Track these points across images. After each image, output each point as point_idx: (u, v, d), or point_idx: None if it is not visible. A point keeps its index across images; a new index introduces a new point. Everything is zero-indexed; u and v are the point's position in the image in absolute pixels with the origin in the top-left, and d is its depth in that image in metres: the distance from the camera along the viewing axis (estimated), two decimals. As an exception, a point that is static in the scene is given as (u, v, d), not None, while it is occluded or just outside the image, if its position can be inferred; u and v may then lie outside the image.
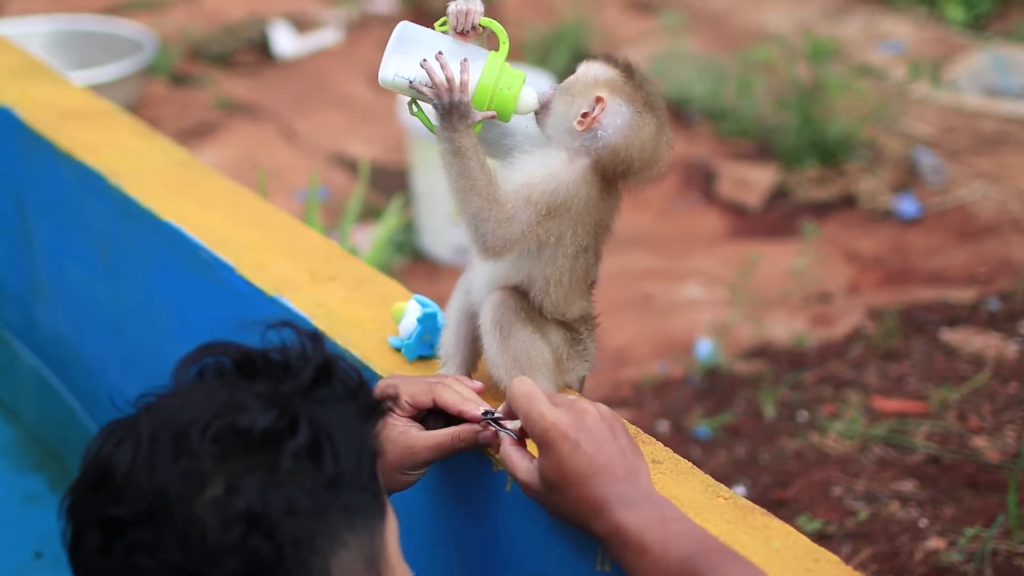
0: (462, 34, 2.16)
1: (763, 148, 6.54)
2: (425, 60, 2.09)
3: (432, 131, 2.13)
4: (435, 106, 2.10)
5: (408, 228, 5.84)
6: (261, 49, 7.99)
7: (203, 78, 7.64)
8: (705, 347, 4.87)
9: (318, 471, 1.54)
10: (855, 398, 4.45)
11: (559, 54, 7.25)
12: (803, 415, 4.41)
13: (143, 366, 3.22)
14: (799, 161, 6.28)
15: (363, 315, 2.58)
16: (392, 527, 1.66)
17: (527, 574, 2.15)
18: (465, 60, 2.10)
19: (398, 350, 2.46)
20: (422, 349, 2.42)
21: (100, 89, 5.01)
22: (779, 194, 6.20)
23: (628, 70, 2.15)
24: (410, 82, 2.12)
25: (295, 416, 1.54)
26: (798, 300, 5.26)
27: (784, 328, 5.05)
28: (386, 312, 2.55)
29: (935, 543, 3.71)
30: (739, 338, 4.98)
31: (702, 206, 6.21)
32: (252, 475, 1.50)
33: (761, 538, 1.97)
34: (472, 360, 2.30)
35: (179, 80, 7.61)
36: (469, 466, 2.19)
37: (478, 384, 2.17)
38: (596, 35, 7.62)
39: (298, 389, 1.59)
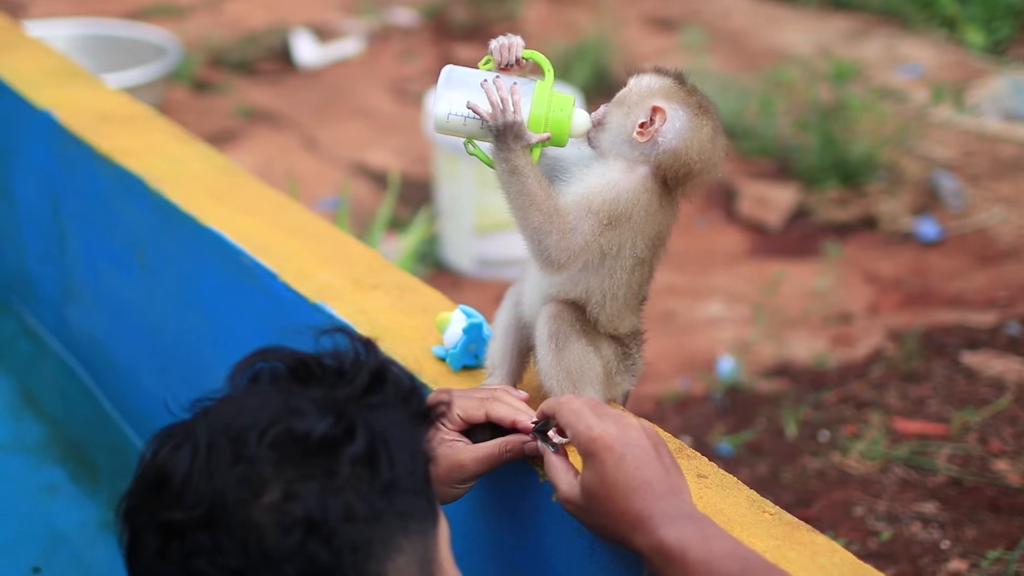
0: (505, 68, 2.19)
1: (784, 168, 6.56)
2: (485, 81, 2.12)
3: (491, 166, 2.15)
4: (490, 128, 2.11)
5: (431, 239, 5.85)
6: (282, 57, 8.01)
7: (224, 85, 7.65)
8: (727, 364, 4.88)
9: (375, 477, 1.54)
10: (876, 419, 4.46)
11: (580, 69, 7.26)
12: (825, 435, 4.42)
13: (177, 371, 3.23)
14: (820, 181, 6.30)
15: (406, 324, 2.59)
16: (444, 532, 1.67)
17: (570, 585, 2.16)
18: (515, 83, 2.13)
19: (442, 359, 2.46)
20: (467, 359, 2.42)
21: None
22: (800, 214, 6.21)
23: (679, 78, 2.17)
24: (467, 104, 2.13)
25: (352, 422, 1.55)
26: (819, 320, 5.26)
27: (805, 347, 5.06)
28: (429, 322, 2.56)
29: (957, 565, 3.71)
30: (760, 356, 4.99)
31: (723, 224, 6.22)
32: (310, 481, 1.51)
33: (808, 554, 1.97)
34: (519, 371, 2.31)
35: (201, 87, 7.62)
36: (514, 476, 2.20)
37: (524, 394, 2.19)
38: (617, 51, 7.64)
39: (353, 395, 1.60)
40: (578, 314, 2.17)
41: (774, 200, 6.25)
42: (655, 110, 2.12)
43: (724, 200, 6.35)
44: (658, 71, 2.19)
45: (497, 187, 2.14)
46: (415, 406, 1.66)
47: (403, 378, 1.66)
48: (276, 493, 1.50)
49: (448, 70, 2.19)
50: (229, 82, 7.70)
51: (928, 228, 5.94)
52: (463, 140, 2.20)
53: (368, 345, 1.68)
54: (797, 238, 6.03)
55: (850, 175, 6.29)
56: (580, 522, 1.95)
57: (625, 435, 1.88)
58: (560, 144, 2.16)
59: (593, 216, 2.11)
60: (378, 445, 1.56)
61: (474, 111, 2.12)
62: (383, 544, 1.55)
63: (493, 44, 2.18)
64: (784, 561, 1.93)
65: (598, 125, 2.17)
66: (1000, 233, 5.91)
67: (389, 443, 1.57)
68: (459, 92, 2.15)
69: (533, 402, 2.23)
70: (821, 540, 2.00)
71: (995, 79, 7.26)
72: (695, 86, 2.17)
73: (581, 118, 2.17)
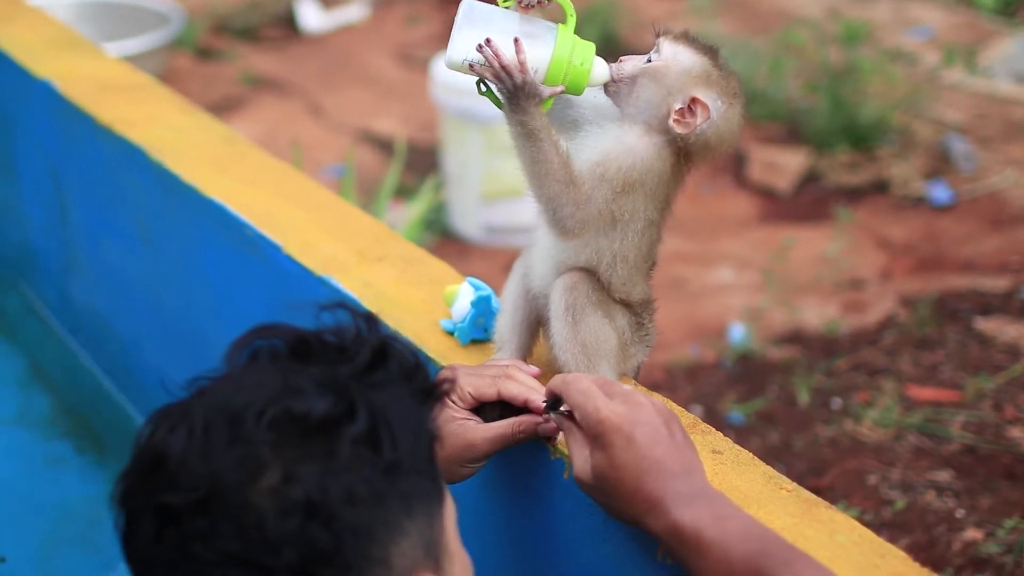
0: (527, 8, 2.10)
1: (793, 132, 6.50)
2: (480, 46, 2.05)
3: (502, 109, 2.09)
4: (501, 90, 2.06)
5: (438, 207, 5.80)
6: (287, 24, 7.96)
7: (229, 52, 7.60)
8: (737, 332, 4.84)
9: (377, 457, 1.49)
10: (889, 386, 4.42)
11: (588, 32, 7.15)
12: (837, 402, 4.38)
13: (182, 345, 3.19)
14: (830, 145, 6.24)
15: (414, 297, 2.54)
16: (450, 511, 1.62)
17: (583, 564, 2.12)
18: (518, 40, 2.05)
19: (450, 333, 2.42)
20: (475, 333, 2.38)
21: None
22: (810, 178, 6.16)
23: (713, 55, 2.11)
24: (470, 66, 2.07)
25: (352, 401, 1.50)
26: (830, 286, 5.22)
27: (816, 314, 5.01)
28: (437, 294, 2.52)
29: (972, 534, 3.68)
30: (771, 323, 4.95)
31: (732, 189, 6.17)
32: (310, 463, 1.46)
33: (826, 532, 1.93)
34: (529, 345, 2.26)
35: (204, 54, 7.57)
36: (526, 453, 2.15)
37: (536, 370, 2.14)
38: (625, 14, 7.58)
39: (354, 373, 1.54)
40: (594, 284, 2.13)
41: (784, 165, 6.19)
42: (695, 101, 2.07)
43: (733, 165, 6.29)
44: (691, 42, 2.12)
45: (512, 150, 2.09)
46: (419, 383, 1.60)
47: (406, 354, 1.60)
48: (275, 475, 1.45)
49: (468, 6, 2.10)
50: (233, 49, 7.65)
51: (940, 192, 5.88)
52: (476, 79, 2.12)
53: (370, 320, 1.61)
54: (807, 203, 5.98)
55: (861, 139, 6.23)
56: (594, 501, 1.91)
57: (634, 414, 1.82)
58: (577, 93, 2.10)
59: (607, 184, 2.07)
60: (380, 424, 1.50)
61: (481, 76, 2.06)
62: (386, 527, 1.50)
63: None
64: (802, 539, 1.89)
65: (620, 82, 2.11)
66: (1013, 196, 5.85)
67: (391, 422, 1.51)
68: (478, 33, 2.06)
69: (544, 377, 2.19)
70: (840, 518, 1.96)
71: (1006, 41, 7.19)
72: (726, 62, 2.12)
73: (601, 67, 2.10)
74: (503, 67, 2.03)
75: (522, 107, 2.03)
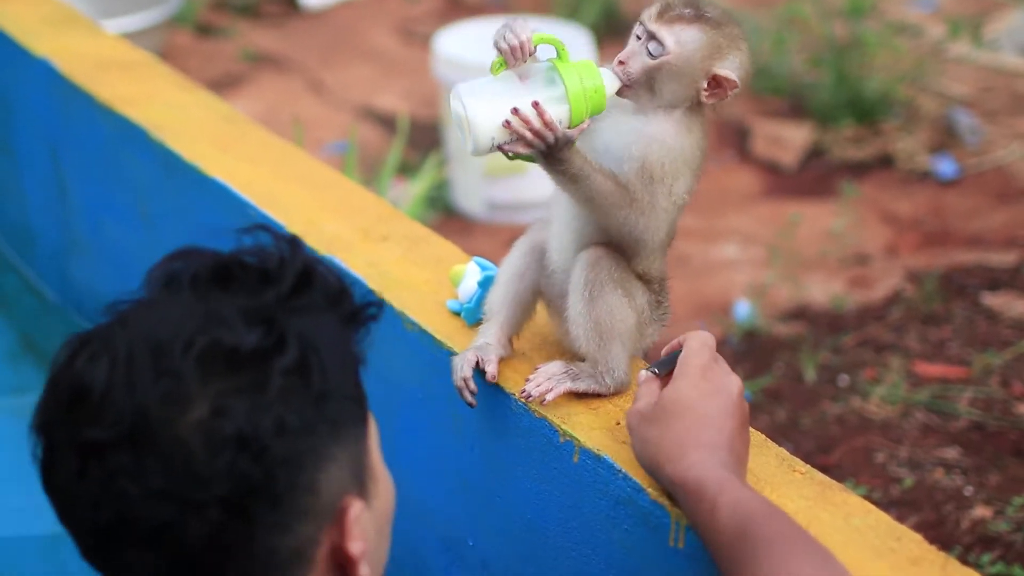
0: (518, 62, 2.04)
1: (797, 106, 6.45)
2: (508, 122, 1.97)
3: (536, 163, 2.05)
4: (537, 155, 2.01)
5: (441, 184, 5.75)
6: (287, -1, 7.91)
7: (228, 29, 7.56)
8: (743, 308, 4.80)
9: (306, 388, 1.47)
10: (896, 362, 4.39)
11: (589, 9, 7.15)
12: (844, 379, 4.35)
13: (184, 325, 3.16)
14: (834, 120, 6.19)
15: (419, 277, 2.52)
16: (373, 432, 1.61)
17: (592, 548, 2.10)
18: (538, 103, 1.97)
19: (457, 314, 2.39)
20: (482, 314, 2.34)
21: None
22: (814, 153, 6.11)
23: (705, 15, 2.07)
24: (499, 147, 2.01)
25: (282, 332, 1.47)
26: (836, 261, 5.18)
27: (822, 290, 4.98)
28: (442, 274, 2.49)
29: (981, 512, 3.66)
30: (777, 299, 4.91)
31: (736, 164, 6.12)
32: (239, 396, 1.43)
33: (841, 515, 1.91)
34: (518, 320, 2.24)
35: (204, 31, 7.53)
36: (536, 437, 2.13)
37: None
38: (626, -12, 7.53)
39: (279, 299, 1.51)
40: (617, 261, 2.10)
41: (788, 139, 6.15)
42: (716, 79, 2.06)
43: (737, 139, 6.25)
44: (683, 19, 2.04)
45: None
46: (345, 308, 1.58)
47: (330, 278, 1.58)
48: (203, 409, 1.42)
49: (467, 89, 2.03)
50: (233, 25, 7.60)
51: (946, 166, 5.84)
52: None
53: (292, 244, 1.58)
54: (812, 178, 5.94)
55: (866, 112, 6.18)
56: (631, 437, 1.94)
57: (726, 380, 1.90)
58: (599, 112, 2.05)
59: (658, 184, 2.05)
60: (309, 354, 1.48)
61: (512, 152, 2.00)
62: (315, 455, 1.48)
63: (502, 46, 2.02)
64: (816, 523, 1.87)
65: (633, 85, 2.07)
66: (1019, 170, 5.81)
67: (320, 351, 1.49)
68: (489, 110, 2.00)
69: (534, 360, 2.20)
70: (854, 500, 1.94)
71: (1012, 13, 7.14)
72: (717, 11, 2.09)
73: (610, 78, 2.06)
74: (534, 134, 1.98)
75: (558, 157, 2.00)
